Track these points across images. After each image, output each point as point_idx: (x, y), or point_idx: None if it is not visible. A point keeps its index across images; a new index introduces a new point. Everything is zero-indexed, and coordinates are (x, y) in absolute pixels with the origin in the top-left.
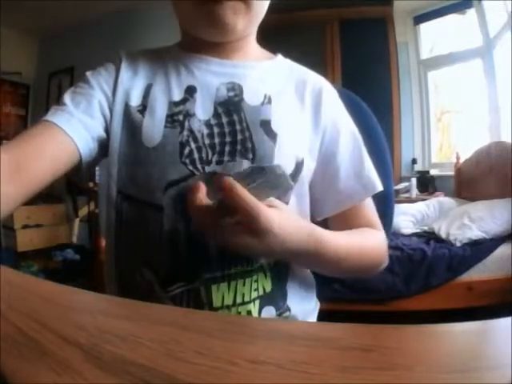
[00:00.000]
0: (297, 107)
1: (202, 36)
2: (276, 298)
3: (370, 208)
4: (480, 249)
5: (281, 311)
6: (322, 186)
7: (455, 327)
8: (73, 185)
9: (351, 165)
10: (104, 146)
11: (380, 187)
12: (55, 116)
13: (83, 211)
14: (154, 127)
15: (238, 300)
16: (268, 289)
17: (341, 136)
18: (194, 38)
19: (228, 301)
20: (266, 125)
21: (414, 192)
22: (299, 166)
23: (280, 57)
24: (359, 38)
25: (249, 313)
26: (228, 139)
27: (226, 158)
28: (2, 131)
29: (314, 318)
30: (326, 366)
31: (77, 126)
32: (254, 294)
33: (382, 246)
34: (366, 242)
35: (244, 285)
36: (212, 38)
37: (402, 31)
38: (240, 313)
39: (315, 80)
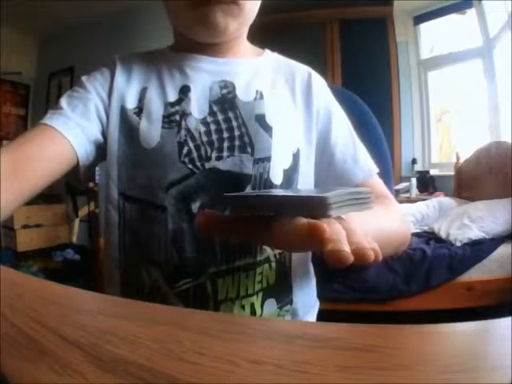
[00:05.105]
0: (288, 99)
1: (195, 37)
2: (279, 290)
3: (376, 180)
4: (480, 249)
5: (282, 304)
6: (321, 171)
7: (455, 327)
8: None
9: (346, 147)
10: (101, 149)
11: (376, 169)
12: (52, 119)
13: (83, 211)
14: (152, 129)
15: (242, 293)
16: (272, 281)
17: (333, 120)
18: (187, 38)
19: (232, 294)
20: (260, 119)
21: (414, 192)
22: (296, 157)
23: (268, 52)
24: (359, 37)
25: (252, 306)
26: (226, 135)
27: (225, 154)
28: (2, 131)
29: (314, 314)
30: (326, 365)
31: (74, 129)
32: (258, 287)
33: (403, 222)
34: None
35: (248, 277)
36: (204, 39)
37: (401, 31)
38: (243, 305)
39: (303, 70)
